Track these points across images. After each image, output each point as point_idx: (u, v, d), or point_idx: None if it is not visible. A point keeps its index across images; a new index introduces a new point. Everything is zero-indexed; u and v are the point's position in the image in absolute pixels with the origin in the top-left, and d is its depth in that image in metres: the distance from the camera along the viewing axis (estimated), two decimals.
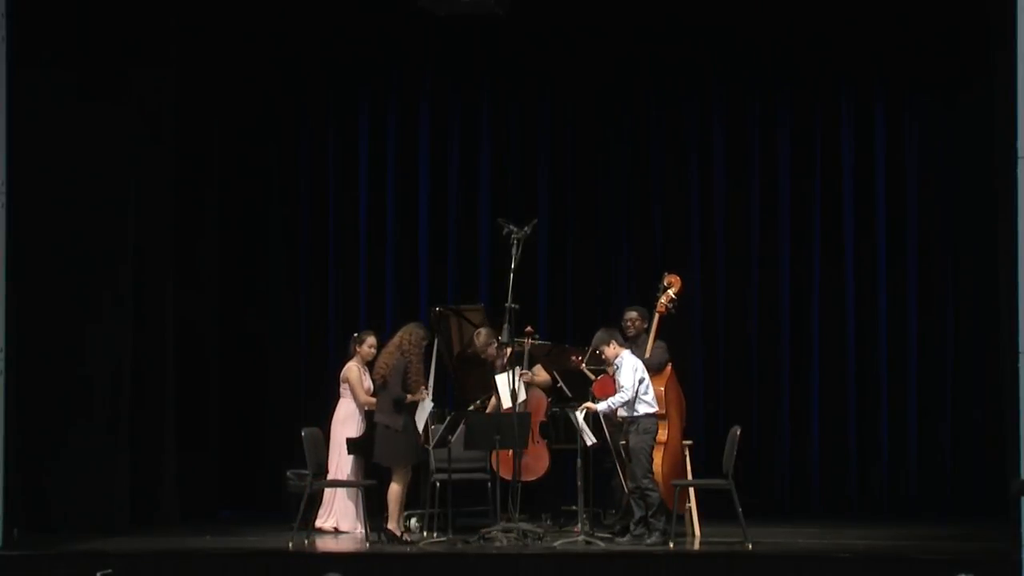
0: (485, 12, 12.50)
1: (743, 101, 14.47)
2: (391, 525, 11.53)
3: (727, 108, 14.48)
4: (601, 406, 11.29)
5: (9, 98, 11.09)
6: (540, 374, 12.26)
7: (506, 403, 11.80)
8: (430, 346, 12.13)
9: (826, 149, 14.38)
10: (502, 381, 11.93)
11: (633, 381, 11.10)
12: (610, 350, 11.24)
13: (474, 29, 13.90)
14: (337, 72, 14.71)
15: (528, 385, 11.93)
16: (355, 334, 12.38)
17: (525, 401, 11.75)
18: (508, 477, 11.61)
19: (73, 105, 12.38)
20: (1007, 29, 10.70)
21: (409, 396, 11.59)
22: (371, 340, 12.21)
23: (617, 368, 11.19)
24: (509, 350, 11.76)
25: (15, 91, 11.20)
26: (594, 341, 11.41)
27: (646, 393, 11.16)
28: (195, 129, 13.60)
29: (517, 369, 11.69)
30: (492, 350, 12.25)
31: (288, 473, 12.59)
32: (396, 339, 11.79)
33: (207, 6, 13.41)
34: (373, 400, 11.98)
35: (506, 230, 11.66)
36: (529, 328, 12.09)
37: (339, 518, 12.22)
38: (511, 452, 11.44)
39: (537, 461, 12.03)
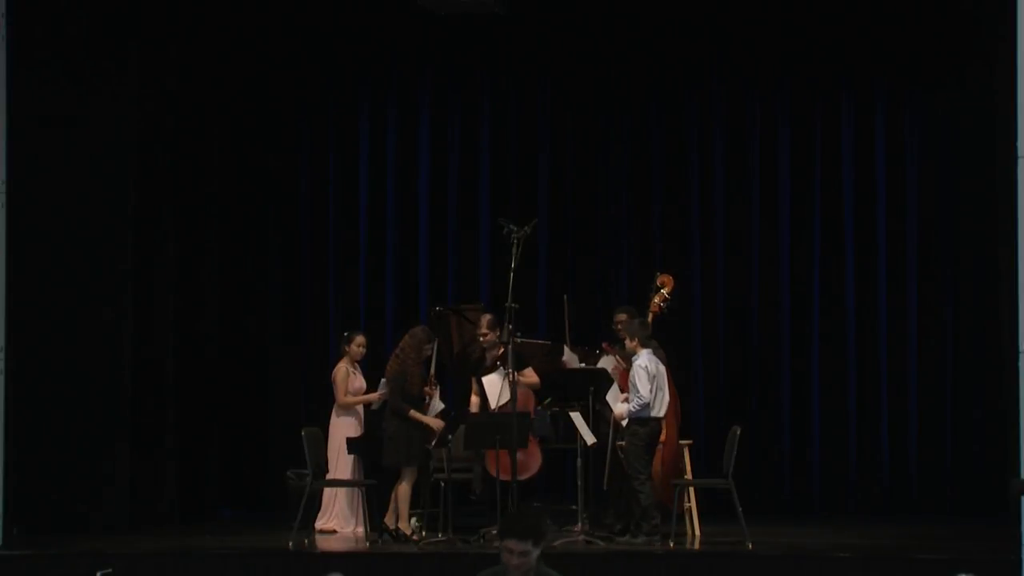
0: (485, 11, 12.50)
1: (743, 101, 14.47)
2: (401, 524, 11.54)
3: (727, 108, 14.48)
4: (624, 413, 11.26)
5: (9, 98, 11.09)
6: (530, 376, 12.17)
7: (492, 403, 11.79)
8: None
9: (826, 149, 14.38)
10: (490, 382, 11.91)
11: (648, 383, 11.09)
12: (631, 343, 11.30)
13: (474, 29, 13.89)
14: (337, 72, 14.71)
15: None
16: (345, 333, 12.40)
17: (509, 401, 11.75)
18: (502, 476, 11.59)
19: (73, 105, 12.37)
20: (1007, 29, 10.70)
21: (413, 414, 11.58)
22: (360, 339, 12.23)
23: (634, 365, 11.23)
24: (501, 349, 11.82)
25: (15, 91, 11.21)
26: (625, 327, 11.52)
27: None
28: (195, 129, 13.60)
29: (501, 369, 11.72)
30: (492, 337, 12.10)
31: (288, 473, 12.60)
32: (400, 343, 11.81)
33: (207, 6, 13.41)
34: (353, 400, 12.04)
35: (506, 230, 11.65)
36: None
37: (339, 518, 12.21)
38: (503, 451, 11.41)
39: (530, 459, 11.98)
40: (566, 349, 12.28)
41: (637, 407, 11.14)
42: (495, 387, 11.81)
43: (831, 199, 14.34)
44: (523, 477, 11.75)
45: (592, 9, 13.96)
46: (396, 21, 14.02)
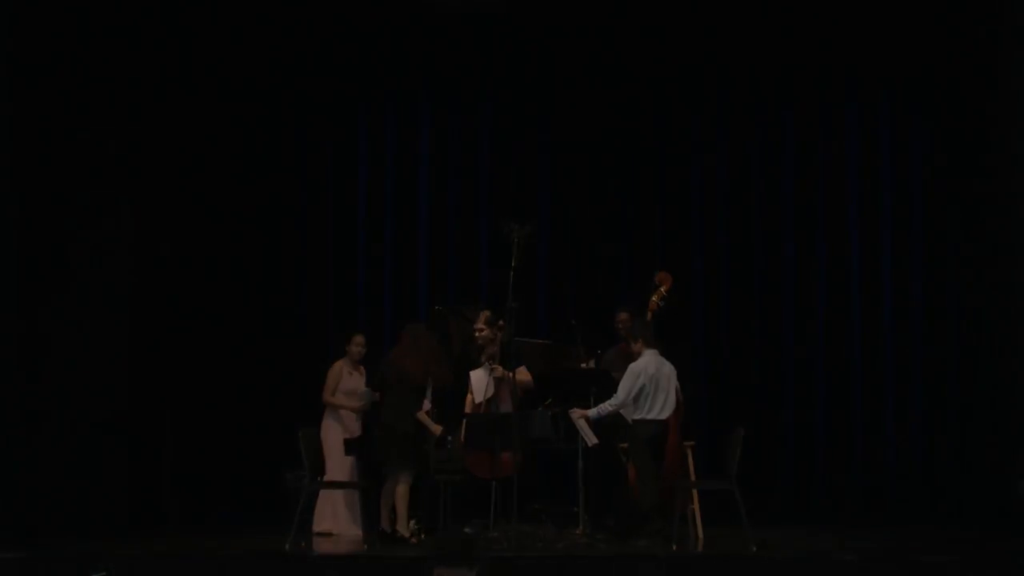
0: (486, 10, 12.49)
1: (743, 102, 14.45)
2: (399, 526, 11.50)
3: (727, 108, 14.45)
4: (591, 412, 11.29)
5: (9, 98, 11.08)
6: (522, 374, 12.13)
7: (478, 397, 11.76)
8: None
9: (828, 151, 14.36)
10: (476, 376, 11.91)
11: (630, 388, 11.11)
12: (636, 345, 11.31)
13: (474, 29, 13.87)
14: (337, 73, 14.67)
15: (500, 380, 11.84)
16: (346, 333, 12.41)
17: (495, 397, 11.71)
18: (480, 475, 11.54)
19: (73, 105, 12.36)
20: (1008, 29, 10.68)
21: (421, 416, 11.56)
22: (358, 339, 12.26)
23: (630, 366, 11.22)
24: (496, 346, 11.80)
25: (15, 92, 11.20)
26: (626, 328, 11.63)
27: (639, 399, 11.16)
28: (195, 129, 13.58)
29: (487, 364, 11.69)
30: (489, 333, 12.08)
31: (287, 474, 12.57)
32: (426, 346, 11.72)
33: (207, 7, 13.39)
34: (337, 402, 12.02)
35: (506, 230, 11.65)
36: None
37: (336, 520, 12.17)
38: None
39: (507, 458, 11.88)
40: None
41: (609, 408, 11.14)
42: (481, 382, 11.80)
43: (833, 199, 14.32)
44: (501, 476, 11.67)
45: (593, 10, 13.93)
46: (396, 22, 14.00)
